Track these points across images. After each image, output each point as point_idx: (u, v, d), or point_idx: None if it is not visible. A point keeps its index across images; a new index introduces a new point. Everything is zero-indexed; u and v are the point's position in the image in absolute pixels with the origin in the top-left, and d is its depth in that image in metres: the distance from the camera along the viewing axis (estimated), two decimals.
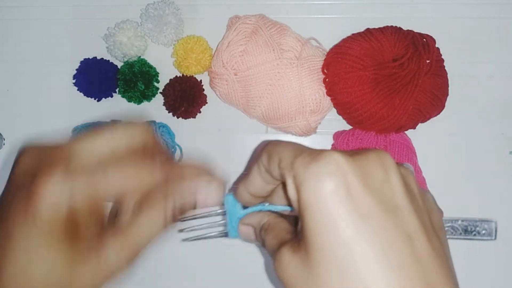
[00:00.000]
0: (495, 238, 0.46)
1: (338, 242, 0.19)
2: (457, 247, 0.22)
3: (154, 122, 0.52)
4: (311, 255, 0.20)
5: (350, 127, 0.51)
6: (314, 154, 0.21)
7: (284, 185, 0.27)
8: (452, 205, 0.50)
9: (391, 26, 0.49)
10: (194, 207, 0.25)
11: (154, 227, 0.23)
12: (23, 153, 0.23)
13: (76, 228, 0.22)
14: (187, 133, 0.54)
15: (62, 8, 0.56)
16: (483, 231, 0.45)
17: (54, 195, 0.21)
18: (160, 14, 0.51)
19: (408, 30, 0.48)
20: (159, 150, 0.25)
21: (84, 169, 0.22)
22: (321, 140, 0.53)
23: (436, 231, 0.21)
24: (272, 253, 0.24)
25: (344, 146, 0.49)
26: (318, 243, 0.19)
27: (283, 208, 0.27)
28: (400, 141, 0.48)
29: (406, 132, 0.49)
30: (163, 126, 0.52)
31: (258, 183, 0.26)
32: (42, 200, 0.20)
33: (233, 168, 0.53)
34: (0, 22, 0.57)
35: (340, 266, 0.19)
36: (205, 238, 0.32)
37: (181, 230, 0.31)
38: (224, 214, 0.29)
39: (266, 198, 0.28)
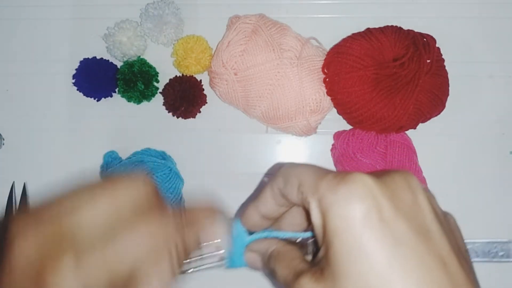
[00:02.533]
0: None
1: (373, 271, 0.18)
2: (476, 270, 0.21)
3: (168, 167, 0.51)
4: (341, 285, 0.19)
5: (350, 127, 0.51)
6: (341, 176, 0.20)
7: (295, 210, 0.26)
8: (452, 205, 0.50)
9: (392, 25, 0.49)
10: (198, 246, 0.24)
11: (166, 281, 0.21)
12: (17, 236, 0.19)
13: None
14: (187, 133, 0.54)
15: (62, 8, 0.56)
16: (501, 253, 0.44)
17: (69, 287, 0.19)
18: (160, 13, 0.51)
19: (408, 30, 0.48)
20: (162, 201, 0.24)
21: (93, 245, 0.20)
22: (321, 140, 0.53)
23: (463, 253, 0.20)
24: (285, 284, 0.22)
25: (344, 146, 0.49)
26: (348, 271, 0.18)
27: (292, 235, 0.26)
28: (400, 141, 0.48)
29: (406, 132, 0.49)
30: (175, 173, 0.51)
31: (271, 205, 0.25)
32: None
33: (233, 168, 0.53)
34: (0, 22, 0.57)
35: None
36: (204, 269, 0.31)
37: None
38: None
39: (274, 223, 0.27)
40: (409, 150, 0.48)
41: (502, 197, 0.52)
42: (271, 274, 0.25)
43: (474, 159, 0.52)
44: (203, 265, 0.29)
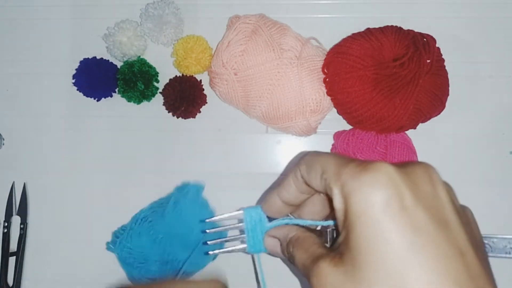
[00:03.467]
0: None
1: (392, 256, 0.18)
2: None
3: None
4: (360, 269, 0.19)
5: (350, 127, 0.51)
6: (364, 164, 0.20)
7: (316, 198, 0.27)
8: None
9: (392, 25, 0.49)
10: None
11: None
12: None
13: None
14: (187, 133, 0.54)
15: (62, 8, 0.56)
16: None
17: None
18: (159, 13, 0.51)
19: (408, 30, 0.48)
20: None
21: None
22: (321, 140, 0.53)
23: (479, 246, 0.21)
24: (304, 268, 0.23)
25: (344, 146, 0.49)
26: (368, 256, 0.19)
27: (312, 223, 0.26)
28: (400, 141, 0.48)
29: (406, 132, 0.49)
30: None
31: (293, 191, 0.26)
32: None
33: (233, 168, 0.53)
34: (0, 22, 0.57)
35: (394, 280, 0.18)
36: (228, 252, 0.31)
37: (204, 243, 0.31)
38: (244, 229, 0.28)
39: (294, 211, 0.28)
40: (409, 150, 0.48)
41: (502, 197, 0.52)
42: (290, 259, 0.26)
43: (474, 159, 0.52)
44: (227, 248, 0.30)
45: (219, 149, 0.54)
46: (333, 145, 0.52)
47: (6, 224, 0.53)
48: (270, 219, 0.28)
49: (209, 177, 0.53)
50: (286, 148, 0.54)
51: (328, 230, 0.27)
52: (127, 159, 0.54)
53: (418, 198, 0.19)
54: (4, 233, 0.53)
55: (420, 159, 0.49)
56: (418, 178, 0.20)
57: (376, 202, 0.19)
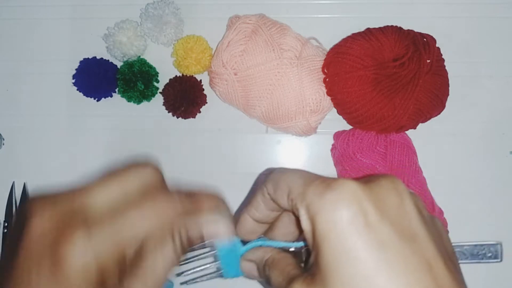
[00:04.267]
0: (501, 260, 0.46)
1: (360, 274, 0.18)
2: (464, 271, 0.22)
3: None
4: None
5: (350, 127, 0.51)
6: (327, 182, 0.20)
7: (287, 219, 0.27)
8: (452, 205, 0.50)
9: (392, 25, 0.48)
10: (202, 239, 0.25)
11: (168, 264, 0.23)
12: (33, 214, 0.22)
13: (104, 280, 0.21)
14: (187, 133, 0.54)
15: (62, 8, 0.56)
16: (489, 254, 0.45)
17: (81, 256, 0.21)
18: (159, 13, 0.51)
19: (408, 30, 0.48)
20: (168, 187, 0.26)
21: (103, 220, 0.22)
22: (321, 140, 0.53)
23: (450, 256, 0.21)
24: None
25: (344, 146, 0.49)
26: (337, 276, 0.19)
27: (285, 245, 0.26)
28: (400, 141, 0.48)
29: (406, 132, 0.49)
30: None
31: (262, 210, 0.26)
32: (71, 264, 0.20)
33: (233, 168, 0.53)
34: (0, 22, 0.57)
35: None
36: (202, 279, 0.31)
37: (178, 274, 0.31)
38: (216, 254, 0.28)
39: (267, 231, 0.28)
40: (409, 150, 0.48)
41: (502, 197, 0.52)
42: (266, 281, 0.25)
43: (474, 159, 0.52)
44: (200, 276, 0.30)
45: (219, 149, 0.54)
46: (333, 145, 0.52)
47: (6, 224, 0.53)
48: (244, 242, 0.28)
49: (209, 177, 0.53)
50: (286, 148, 0.54)
51: (302, 250, 0.27)
52: (127, 159, 0.54)
53: (383, 213, 0.19)
54: (4, 233, 0.53)
55: (420, 159, 0.49)
56: (383, 192, 0.20)
57: (341, 221, 0.19)
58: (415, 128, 0.48)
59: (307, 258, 0.26)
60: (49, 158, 0.55)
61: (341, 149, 0.49)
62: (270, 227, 0.28)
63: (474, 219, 0.51)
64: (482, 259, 0.47)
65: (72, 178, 0.58)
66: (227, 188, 0.52)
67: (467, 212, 0.51)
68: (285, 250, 0.27)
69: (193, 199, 0.25)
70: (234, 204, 0.52)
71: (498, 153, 0.52)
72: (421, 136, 0.51)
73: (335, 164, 0.52)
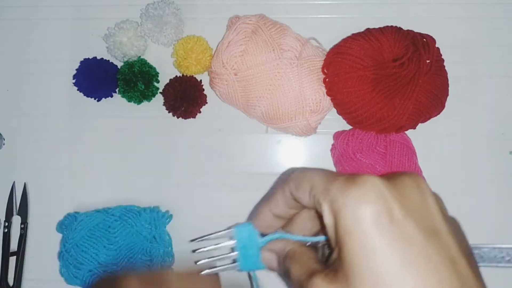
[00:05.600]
0: None
1: (385, 271, 0.18)
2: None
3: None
4: (353, 285, 0.19)
5: (350, 127, 0.51)
6: (351, 178, 0.20)
7: (305, 215, 0.27)
8: (452, 205, 0.50)
9: (391, 26, 0.49)
10: None
11: None
12: None
13: None
14: (187, 133, 0.54)
15: (62, 8, 0.56)
16: (508, 258, 0.44)
17: None
18: (160, 14, 0.51)
19: (408, 30, 0.48)
20: None
21: None
22: (321, 140, 0.53)
23: (469, 254, 0.21)
24: (299, 283, 0.23)
25: (344, 146, 0.49)
26: (361, 272, 0.19)
27: (304, 239, 0.27)
28: (400, 141, 0.48)
29: (406, 132, 0.49)
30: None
31: (282, 207, 0.26)
32: None
33: (233, 168, 0.53)
34: (0, 22, 0.57)
35: None
36: (219, 271, 0.31)
37: (196, 262, 0.31)
38: (233, 248, 0.29)
39: (285, 226, 0.28)
40: (409, 150, 0.48)
41: (502, 197, 0.52)
42: (285, 274, 0.25)
43: (474, 159, 0.52)
44: (217, 266, 0.30)
45: (219, 149, 0.54)
46: (333, 145, 0.52)
47: (6, 224, 0.53)
48: (262, 235, 0.28)
49: (209, 177, 0.53)
50: (286, 148, 0.54)
51: (319, 245, 0.27)
52: (127, 159, 0.54)
53: (407, 210, 0.19)
54: (4, 233, 0.53)
55: (420, 159, 0.49)
56: (407, 189, 0.20)
57: (365, 217, 0.19)
58: (414, 128, 0.48)
59: (324, 254, 0.27)
60: (49, 158, 0.55)
61: (341, 149, 0.50)
62: (287, 222, 0.28)
63: (473, 220, 0.51)
64: (500, 262, 0.46)
65: (72, 178, 0.58)
66: (227, 188, 0.53)
67: (467, 212, 0.51)
68: (302, 244, 0.27)
69: None
70: (234, 204, 0.52)
71: (498, 153, 0.52)
72: (421, 136, 0.51)
73: (335, 164, 0.52)
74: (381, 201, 0.19)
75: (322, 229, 0.27)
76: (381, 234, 0.19)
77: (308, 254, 0.25)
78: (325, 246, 0.27)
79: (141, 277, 0.29)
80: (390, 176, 0.21)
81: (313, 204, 0.22)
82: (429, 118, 0.48)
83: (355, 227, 0.19)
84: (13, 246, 0.53)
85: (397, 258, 0.18)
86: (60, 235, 0.53)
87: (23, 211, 0.53)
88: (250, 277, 0.31)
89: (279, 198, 0.26)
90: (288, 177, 0.25)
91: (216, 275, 0.29)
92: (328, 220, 0.21)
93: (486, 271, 0.21)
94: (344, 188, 0.20)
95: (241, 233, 0.28)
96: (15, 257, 0.52)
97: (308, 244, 0.27)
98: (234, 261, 0.29)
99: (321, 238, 0.26)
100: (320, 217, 0.22)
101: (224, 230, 0.29)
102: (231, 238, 0.29)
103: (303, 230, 0.27)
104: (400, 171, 0.22)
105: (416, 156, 0.49)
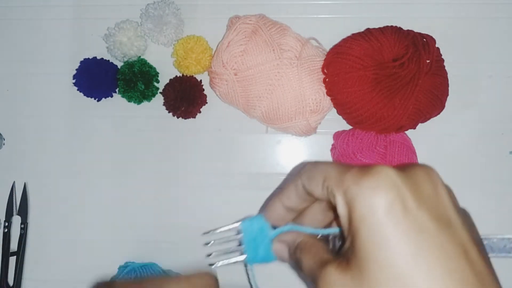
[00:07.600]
0: None
1: (398, 260, 0.18)
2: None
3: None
4: (367, 275, 0.19)
5: (350, 127, 0.51)
6: (365, 169, 0.20)
7: (316, 208, 0.28)
8: None
9: (391, 26, 0.49)
10: None
11: None
12: None
13: None
14: (187, 133, 0.54)
15: (62, 8, 0.56)
16: None
17: None
18: (160, 14, 0.51)
19: (408, 30, 0.48)
20: None
21: None
22: (321, 140, 0.53)
23: (480, 244, 0.21)
24: (311, 273, 0.23)
25: (344, 146, 0.49)
26: (374, 261, 0.19)
27: (315, 231, 0.27)
28: (400, 141, 0.48)
29: (406, 132, 0.49)
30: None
31: (294, 200, 0.26)
32: None
33: (233, 168, 0.53)
34: (0, 22, 0.57)
35: (400, 284, 0.18)
36: (230, 263, 0.32)
37: (208, 255, 0.32)
38: (241, 241, 0.29)
39: (296, 218, 0.28)
40: (409, 150, 0.48)
41: (502, 198, 0.52)
42: (297, 265, 0.26)
43: (474, 159, 0.52)
44: (226, 259, 0.30)
45: (219, 149, 0.54)
46: (333, 145, 0.52)
47: (6, 224, 0.53)
48: (273, 227, 0.28)
49: (209, 177, 0.53)
50: (286, 148, 0.54)
51: (330, 238, 0.28)
52: (127, 159, 0.54)
53: (420, 200, 0.20)
54: (4, 233, 0.53)
55: (420, 159, 0.49)
56: (419, 180, 0.21)
57: (379, 206, 0.19)
58: (414, 128, 0.48)
59: (335, 246, 0.27)
60: (49, 158, 0.55)
61: (341, 149, 0.50)
62: (298, 215, 0.28)
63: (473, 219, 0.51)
64: (510, 252, 0.46)
65: (72, 178, 0.58)
66: (227, 188, 0.53)
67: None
68: (314, 236, 0.27)
69: None
70: (234, 203, 0.52)
71: (498, 153, 0.52)
72: (421, 136, 0.51)
73: None
74: (395, 190, 0.19)
75: (336, 220, 0.28)
76: (395, 223, 0.19)
77: (319, 245, 0.25)
78: (335, 238, 0.28)
79: (136, 282, 0.29)
80: (403, 167, 0.21)
81: (326, 196, 0.23)
82: (429, 118, 0.48)
83: (369, 216, 0.19)
84: (13, 246, 0.53)
85: (410, 247, 0.18)
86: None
87: (23, 211, 0.53)
88: (249, 277, 0.31)
89: (291, 191, 0.26)
90: (300, 170, 0.25)
91: (214, 277, 0.30)
92: (342, 209, 0.21)
93: (495, 261, 0.21)
94: (358, 178, 0.20)
95: (252, 226, 0.28)
96: (15, 257, 0.52)
97: (319, 236, 0.27)
98: (242, 254, 0.29)
99: (332, 230, 0.26)
100: (332, 209, 0.22)
101: (236, 222, 0.30)
102: (240, 231, 0.29)
103: (314, 223, 0.28)
104: (412, 163, 0.22)
105: (416, 156, 0.49)
